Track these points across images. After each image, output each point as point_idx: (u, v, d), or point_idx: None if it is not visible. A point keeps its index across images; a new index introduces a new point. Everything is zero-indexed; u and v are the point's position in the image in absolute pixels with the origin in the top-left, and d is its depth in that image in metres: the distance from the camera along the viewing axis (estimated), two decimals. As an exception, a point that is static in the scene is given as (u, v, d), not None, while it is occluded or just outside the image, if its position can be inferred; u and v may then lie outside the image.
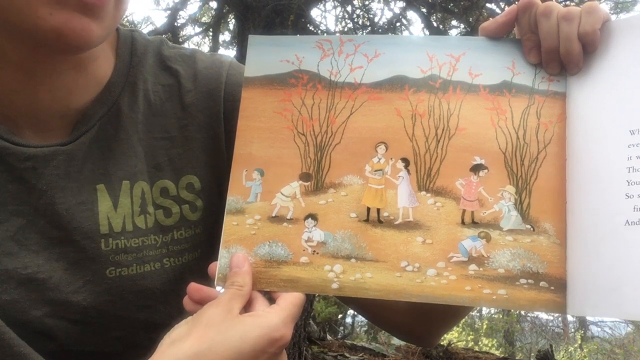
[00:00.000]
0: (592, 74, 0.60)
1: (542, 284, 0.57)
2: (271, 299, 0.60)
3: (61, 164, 0.65)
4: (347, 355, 4.20)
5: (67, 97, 0.65)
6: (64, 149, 0.65)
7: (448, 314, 0.71)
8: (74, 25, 0.54)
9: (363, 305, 0.75)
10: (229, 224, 0.63)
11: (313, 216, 0.63)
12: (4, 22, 0.56)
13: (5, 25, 0.56)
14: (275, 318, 0.55)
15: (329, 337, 4.86)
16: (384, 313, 0.75)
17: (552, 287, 0.57)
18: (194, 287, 0.59)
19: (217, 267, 0.62)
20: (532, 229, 0.59)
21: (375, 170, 0.63)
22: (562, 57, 0.60)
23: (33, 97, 0.63)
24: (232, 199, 0.64)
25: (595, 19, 0.59)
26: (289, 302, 0.57)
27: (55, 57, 0.61)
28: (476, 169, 0.61)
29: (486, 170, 0.61)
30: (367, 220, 0.62)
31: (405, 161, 0.62)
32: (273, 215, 0.63)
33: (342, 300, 0.68)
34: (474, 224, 0.60)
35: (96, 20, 0.56)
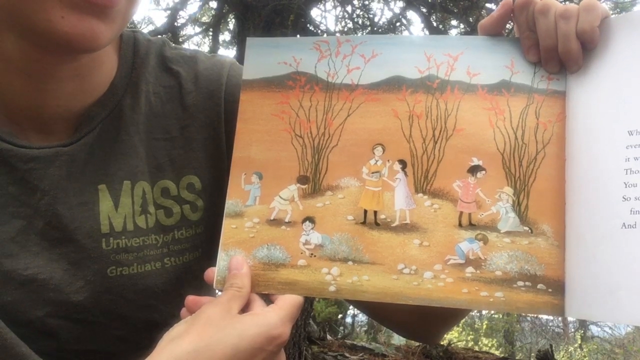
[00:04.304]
0: (592, 72, 0.59)
1: (539, 286, 0.57)
2: (270, 301, 0.60)
3: (63, 164, 0.65)
4: (347, 355, 4.20)
5: (71, 102, 0.66)
6: (66, 149, 0.65)
7: (448, 314, 0.71)
8: (84, 27, 0.55)
9: (364, 305, 0.76)
10: (228, 227, 0.63)
11: (311, 219, 0.63)
12: (15, 26, 0.56)
13: (15, 29, 0.57)
14: (273, 316, 0.55)
15: (329, 337, 4.86)
16: (385, 313, 0.75)
17: (550, 290, 0.56)
18: (192, 300, 0.60)
19: (216, 270, 0.62)
20: (530, 230, 0.58)
21: (372, 173, 0.63)
22: (560, 55, 0.60)
23: (37, 101, 0.64)
24: (231, 203, 0.64)
25: (593, 16, 0.58)
26: (288, 302, 0.58)
27: (60, 64, 0.62)
28: (474, 170, 0.61)
29: (484, 172, 0.60)
30: (364, 223, 0.62)
31: (403, 163, 0.62)
32: (271, 218, 0.63)
33: (348, 301, 0.69)
34: (472, 226, 0.59)
35: (106, 21, 0.56)
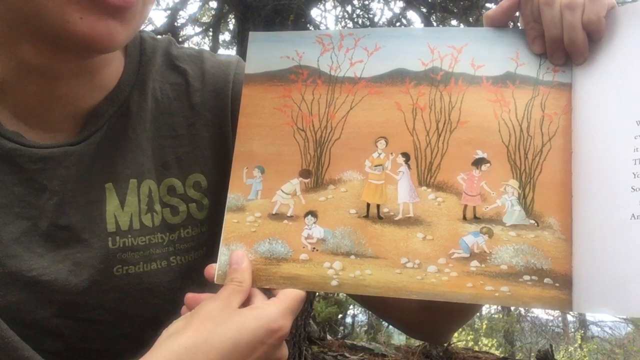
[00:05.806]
0: (599, 63, 0.58)
1: (546, 280, 0.56)
2: (272, 297, 0.60)
3: (72, 164, 0.65)
4: (347, 355, 4.20)
5: (80, 100, 0.66)
6: (75, 149, 0.65)
7: (455, 310, 0.70)
8: (102, 28, 0.55)
9: (371, 303, 0.75)
10: (230, 222, 0.63)
11: (313, 213, 0.62)
12: (33, 28, 0.56)
13: (33, 31, 0.57)
14: (274, 309, 0.55)
15: (329, 337, 4.86)
16: (390, 309, 0.74)
17: (557, 284, 0.56)
18: (191, 297, 0.59)
19: (217, 265, 0.62)
20: (536, 224, 0.58)
21: (375, 166, 0.62)
22: (566, 47, 0.59)
23: (48, 99, 0.63)
24: (232, 197, 0.63)
25: (599, 6, 0.57)
26: (289, 295, 0.58)
27: (73, 62, 0.62)
28: (478, 163, 0.60)
29: (488, 164, 0.60)
30: (367, 217, 0.61)
31: (406, 156, 0.61)
32: (273, 212, 0.63)
33: (352, 297, 0.68)
34: (476, 219, 0.59)
35: (122, 22, 0.56)
